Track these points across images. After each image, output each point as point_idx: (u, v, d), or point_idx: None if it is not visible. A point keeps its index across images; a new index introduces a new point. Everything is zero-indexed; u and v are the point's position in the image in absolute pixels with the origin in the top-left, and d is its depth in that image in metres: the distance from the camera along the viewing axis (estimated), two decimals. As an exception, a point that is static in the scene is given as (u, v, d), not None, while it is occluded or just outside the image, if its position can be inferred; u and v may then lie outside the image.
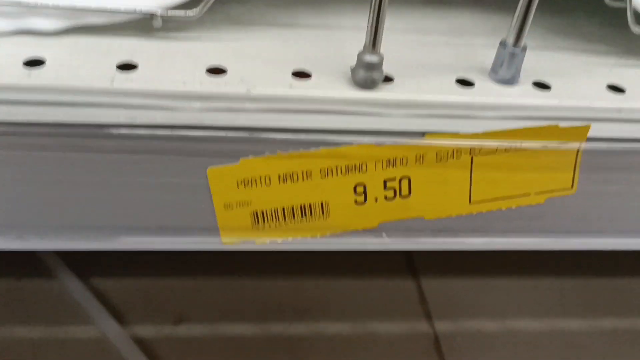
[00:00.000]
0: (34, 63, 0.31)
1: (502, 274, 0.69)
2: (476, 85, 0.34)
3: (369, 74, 0.32)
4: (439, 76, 0.34)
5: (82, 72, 0.30)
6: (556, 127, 0.33)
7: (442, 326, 0.62)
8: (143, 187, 0.33)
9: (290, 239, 0.35)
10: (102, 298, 0.60)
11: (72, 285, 0.60)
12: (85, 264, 0.63)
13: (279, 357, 0.57)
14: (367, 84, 0.32)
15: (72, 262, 0.63)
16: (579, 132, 0.33)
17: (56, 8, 0.32)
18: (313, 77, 0.33)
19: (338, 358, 0.57)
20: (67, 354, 0.55)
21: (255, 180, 0.33)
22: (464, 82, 0.34)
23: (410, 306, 0.64)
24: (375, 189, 0.34)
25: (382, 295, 0.64)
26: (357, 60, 0.32)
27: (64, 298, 0.60)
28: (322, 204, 0.34)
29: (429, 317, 0.63)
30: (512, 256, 0.71)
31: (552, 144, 0.34)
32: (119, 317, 0.59)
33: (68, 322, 0.58)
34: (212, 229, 0.34)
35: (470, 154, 0.33)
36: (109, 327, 0.57)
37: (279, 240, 0.35)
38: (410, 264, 0.69)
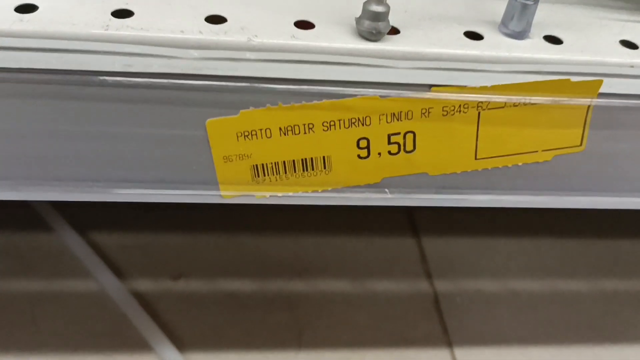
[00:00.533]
0: (26, 8, 0.30)
1: (503, 234, 0.69)
2: (485, 38, 0.33)
3: (374, 24, 0.31)
4: (446, 28, 0.33)
5: (76, 18, 0.29)
6: (567, 81, 0.32)
7: (442, 285, 0.62)
8: (139, 138, 0.32)
9: (290, 193, 0.34)
10: (101, 253, 0.60)
11: (71, 239, 0.60)
12: (84, 219, 0.63)
13: (277, 313, 0.57)
14: (373, 35, 0.31)
15: (71, 217, 0.62)
16: (591, 87, 0.32)
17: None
18: (316, 27, 0.32)
19: (336, 316, 0.58)
20: (66, 308, 0.55)
21: (256, 133, 0.32)
22: (473, 35, 0.33)
23: (410, 265, 0.64)
24: (378, 144, 0.33)
25: (382, 254, 0.64)
26: (362, 10, 0.31)
27: (63, 252, 0.60)
28: (324, 158, 0.33)
29: (429, 276, 0.63)
30: (513, 216, 0.71)
31: (563, 99, 0.33)
32: (118, 271, 0.59)
33: (66, 276, 0.58)
34: (211, 182, 0.33)
35: (477, 108, 0.33)
36: (108, 282, 0.57)
37: (279, 194, 0.34)
38: (412, 222, 0.69)
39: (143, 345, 0.52)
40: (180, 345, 0.53)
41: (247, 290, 0.59)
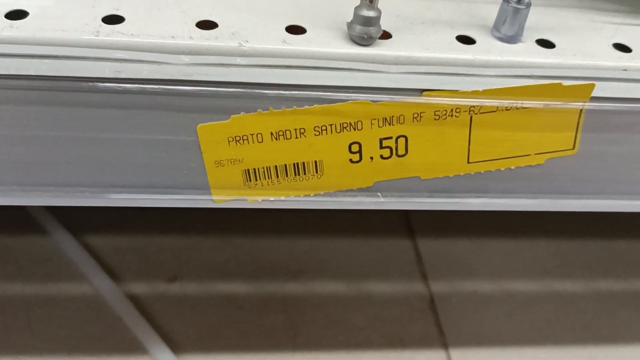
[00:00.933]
0: (17, 14, 0.30)
1: (499, 235, 0.69)
2: (477, 42, 0.33)
3: (366, 29, 0.31)
4: (438, 33, 0.33)
5: (66, 24, 0.29)
6: (559, 85, 0.32)
7: (438, 286, 0.62)
8: (130, 144, 0.32)
9: (283, 197, 0.34)
10: (96, 255, 0.60)
11: (65, 242, 0.60)
12: (78, 222, 0.63)
13: (273, 316, 0.57)
14: (364, 40, 0.31)
15: (65, 219, 0.62)
16: (583, 91, 0.32)
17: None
18: (308, 32, 0.32)
19: (332, 317, 0.57)
20: (61, 311, 0.55)
21: (247, 138, 0.32)
22: (465, 40, 0.33)
23: (406, 266, 0.64)
24: (370, 148, 0.33)
25: (378, 255, 0.64)
26: (353, 15, 0.31)
27: (57, 255, 0.60)
28: (315, 163, 0.33)
29: (424, 277, 0.63)
30: (509, 217, 0.71)
31: (555, 103, 0.33)
32: (113, 274, 0.59)
33: (61, 279, 0.58)
34: (203, 187, 0.33)
35: (469, 112, 0.32)
36: (103, 285, 0.57)
37: (272, 198, 0.34)
38: (407, 224, 0.69)
39: (138, 348, 0.52)
40: (176, 347, 0.53)
41: (242, 292, 0.59)
